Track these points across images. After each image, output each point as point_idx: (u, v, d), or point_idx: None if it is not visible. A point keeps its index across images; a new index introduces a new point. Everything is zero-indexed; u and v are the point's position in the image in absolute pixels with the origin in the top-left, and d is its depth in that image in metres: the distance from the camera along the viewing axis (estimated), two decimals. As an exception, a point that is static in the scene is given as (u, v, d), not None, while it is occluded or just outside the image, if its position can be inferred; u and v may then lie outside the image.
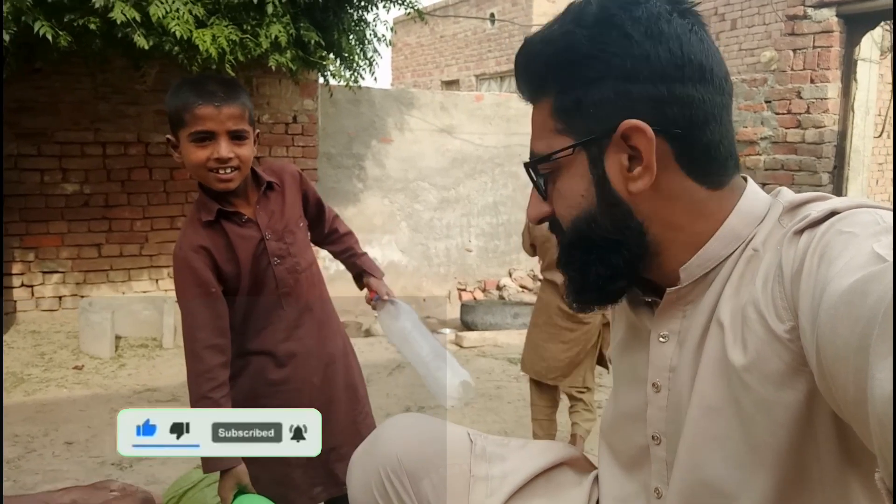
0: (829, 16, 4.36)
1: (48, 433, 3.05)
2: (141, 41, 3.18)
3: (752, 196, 0.79)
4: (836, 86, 4.46)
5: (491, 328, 5.44)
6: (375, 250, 6.45)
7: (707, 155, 0.76)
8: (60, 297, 5.05)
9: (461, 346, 4.81)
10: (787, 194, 0.78)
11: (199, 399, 1.47)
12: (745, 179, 0.81)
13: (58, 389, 3.62)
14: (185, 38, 3.21)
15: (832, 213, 0.69)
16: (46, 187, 4.91)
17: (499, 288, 6.85)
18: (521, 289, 6.87)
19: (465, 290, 6.78)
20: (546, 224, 0.86)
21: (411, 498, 1.01)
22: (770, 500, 0.73)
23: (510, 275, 7.04)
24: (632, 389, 0.88)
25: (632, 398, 0.88)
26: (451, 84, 12.53)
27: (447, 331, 5.64)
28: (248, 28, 3.53)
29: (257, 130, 1.57)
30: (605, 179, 0.77)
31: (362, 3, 4.18)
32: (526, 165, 0.83)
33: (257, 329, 1.62)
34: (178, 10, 3.15)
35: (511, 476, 1.01)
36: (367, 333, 5.53)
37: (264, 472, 1.57)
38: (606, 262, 0.79)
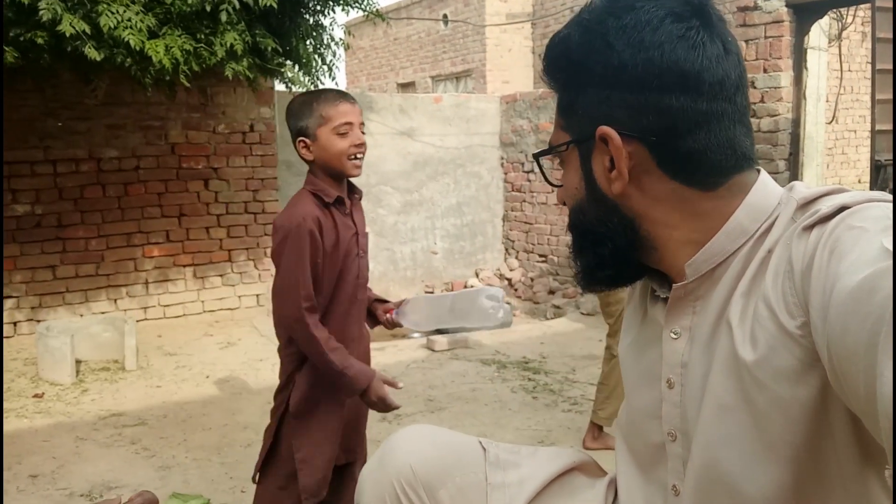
0: (778, 6, 4.45)
1: (11, 467, 2.92)
2: (92, 53, 3.06)
3: (762, 190, 0.78)
4: (789, 74, 4.56)
5: (461, 330, 5.42)
6: (340, 257, 6.37)
7: (690, 161, 0.77)
8: (16, 323, 4.86)
9: (433, 350, 4.77)
10: (801, 189, 0.77)
11: (326, 364, 1.76)
12: (759, 171, 0.81)
13: (18, 420, 3.47)
14: (138, 49, 3.10)
15: (842, 208, 0.68)
16: (-6, 209, 4.73)
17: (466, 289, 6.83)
18: (489, 289, 6.87)
19: (432, 292, 6.75)
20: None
21: None
22: (789, 498, 0.73)
23: (477, 275, 7.03)
24: (646, 387, 0.89)
25: (646, 396, 0.89)
26: (406, 86, 12.49)
27: (417, 335, 5.59)
28: (202, 37, 3.44)
29: None
30: (592, 177, 0.82)
31: (318, 7, 4.12)
32: (535, 156, 0.91)
33: (339, 314, 1.88)
34: (129, 21, 3.05)
35: (527, 482, 1.01)
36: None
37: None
38: (594, 251, 0.85)
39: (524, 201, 6.93)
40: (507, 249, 7.23)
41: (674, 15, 0.76)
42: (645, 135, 0.76)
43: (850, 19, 6.72)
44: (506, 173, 7.13)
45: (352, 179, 1.89)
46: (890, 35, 3.34)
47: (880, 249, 0.59)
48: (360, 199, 1.97)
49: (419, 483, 1.01)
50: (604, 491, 1.02)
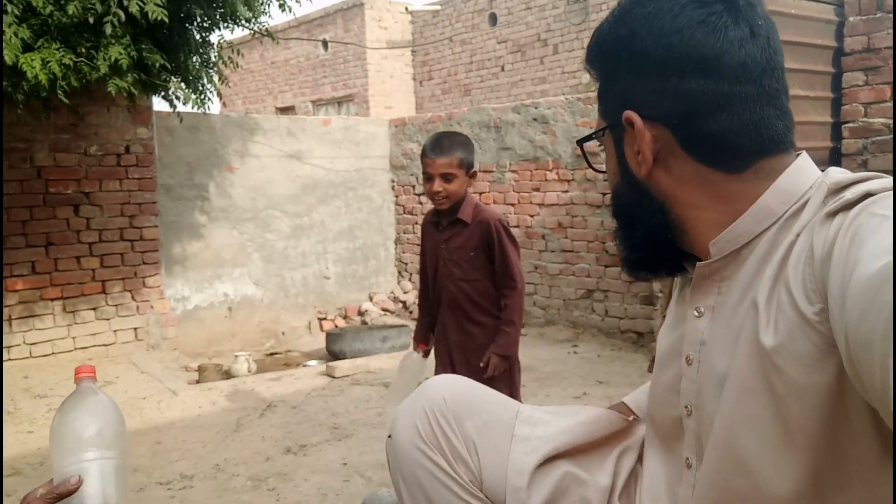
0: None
1: None
2: (-43, 65, 2.76)
3: (795, 173, 0.80)
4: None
5: (360, 354, 5.31)
6: (227, 285, 6.09)
7: (714, 142, 0.79)
8: None
9: (333, 377, 4.64)
10: (834, 174, 0.78)
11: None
12: (798, 155, 0.82)
13: None
14: (11, 63, 2.82)
15: (867, 195, 0.69)
16: None
17: (360, 314, 6.72)
18: (383, 312, 6.79)
19: (325, 318, 6.59)
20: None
21: (456, 435, 1.05)
22: (807, 483, 0.73)
23: (371, 299, 6.94)
24: (670, 363, 0.92)
25: (670, 371, 0.92)
26: (286, 110, 12.25)
27: (313, 362, 5.42)
28: (83, 51, 3.18)
29: (473, 170, 2.46)
30: (624, 161, 0.86)
31: (206, 24, 3.94)
32: (578, 142, 0.98)
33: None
34: (2, 33, 2.77)
35: (553, 439, 1.04)
36: (228, 375, 5.18)
37: None
38: (629, 233, 0.89)
39: (416, 223, 6.94)
40: (400, 272, 7.20)
41: (696, 1, 0.79)
42: (667, 118, 0.80)
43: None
44: (397, 196, 7.13)
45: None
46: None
47: (893, 239, 0.60)
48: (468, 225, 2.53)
49: (449, 411, 1.07)
50: (615, 457, 1.05)
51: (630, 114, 0.81)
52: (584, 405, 1.14)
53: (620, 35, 0.83)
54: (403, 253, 7.13)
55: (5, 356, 4.76)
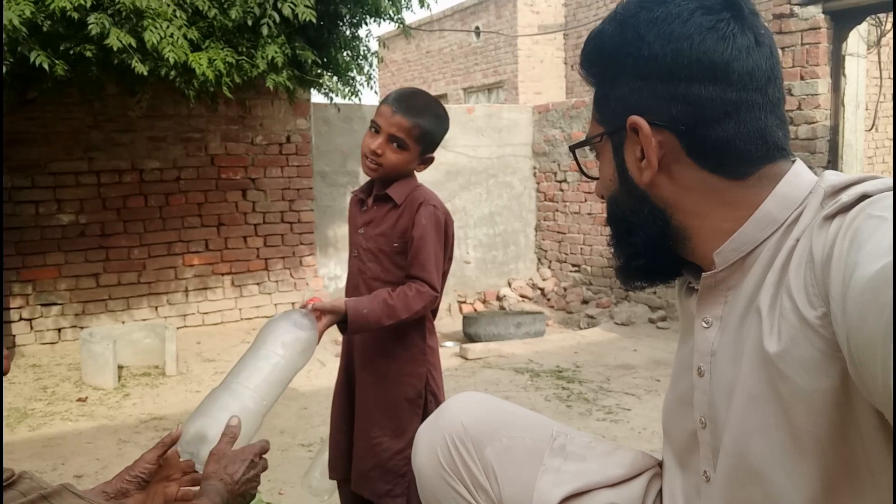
0: (815, 13, 4.40)
1: (56, 468, 3.00)
2: (139, 67, 3.17)
3: (793, 179, 0.79)
4: (826, 81, 4.50)
5: (494, 339, 5.42)
6: (374, 267, 6.42)
7: (720, 149, 0.78)
8: (60, 329, 5.00)
9: (466, 359, 4.78)
10: (830, 178, 0.77)
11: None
12: (794, 161, 0.81)
13: (63, 423, 3.57)
14: (181, 62, 3.20)
15: (863, 197, 0.68)
16: (41, 219, 4.87)
17: (499, 298, 6.83)
18: (521, 298, 6.86)
19: (465, 302, 6.76)
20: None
21: (476, 463, 1.04)
22: (818, 489, 0.72)
23: (509, 285, 7.03)
24: (683, 376, 0.91)
25: (682, 384, 0.91)
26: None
27: (450, 343, 5.61)
28: (244, 50, 3.53)
29: (430, 154, 1.94)
30: (624, 167, 0.85)
31: (354, 20, 4.20)
32: (572, 148, 0.94)
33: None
34: (172, 35, 3.15)
35: (583, 476, 1.02)
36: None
37: None
38: (627, 241, 0.87)
39: (557, 211, 6.92)
40: (539, 259, 7.22)
41: (704, 8, 0.78)
42: (674, 124, 0.79)
43: (888, 26, 6.60)
44: (538, 183, 7.13)
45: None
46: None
47: (892, 240, 0.59)
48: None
49: (469, 438, 1.05)
50: (646, 481, 1.03)
51: (637, 119, 0.80)
52: (619, 445, 1.08)
53: (626, 38, 0.81)
54: (543, 240, 7.13)
55: (182, 323, 5.37)
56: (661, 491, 1.02)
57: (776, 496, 0.75)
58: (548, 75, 10.95)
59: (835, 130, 4.59)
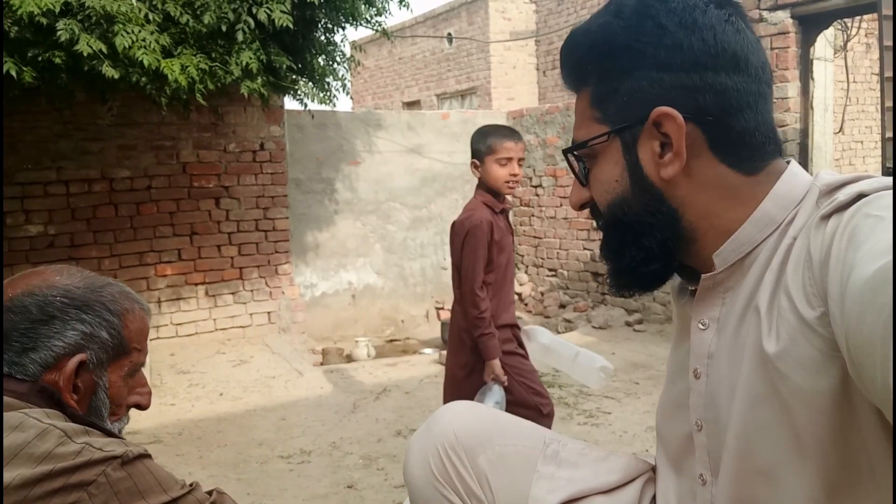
0: (784, 18, 4.48)
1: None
2: (109, 72, 3.10)
3: (790, 179, 0.79)
4: (796, 85, 4.58)
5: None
6: (350, 274, 6.38)
7: (741, 141, 0.78)
8: (29, 343, 4.86)
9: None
10: (825, 177, 0.77)
11: (481, 336, 2.34)
12: (789, 162, 0.82)
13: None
14: (153, 68, 3.14)
15: (859, 196, 0.68)
16: (9, 230, 4.75)
17: (477, 304, 6.82)
18: (499, 303, 6.85)
19: (442, 308, 6.74)
20: None
21: (469, 471, 1.03)
22: (820, 489, 0.72)
23: (487, 290, 7.02)
24: (678, 379, 0.90)
25: (677, 387, 0.90)
26: (412, 105, 12.56)
27: (428, 350, 5.59)
28: (217, 56, 3.48)
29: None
30: (637, 165, 0.81)
31: (330, 25, 4.17)
32: (564, 152, 0.88)
33: (505, 304, 2.50)
34: (144, 40, 3.09)
35: (578, 482, 1.01)
36: (349, 359, 5.45)
37: None
38: (639, 245, 0.82)
39: (533, 216, 6.94)
40: (516, 264, 7.23)
41: (716, 2, 0.78)
42: (701, 115, 0.77)
43: (854, 31, 6.75)
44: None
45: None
46: (898, 43, 3.38)
47: (893, 239, 0.59)
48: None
49: (461, 447, 1.04)
50: (640, 487, 1.02)
51: (667, 110, 0.76)
52: (612, 451, 1.08)
53: (644, 28, 0.77)
54: (520, 245, 7.15)
55: (155, 335, 5.28)
56: (655, 496, 1.01)
57: (783, 496, 0.75)
58: (520, 81, 11.01)
59: (804, 133, 4.67)
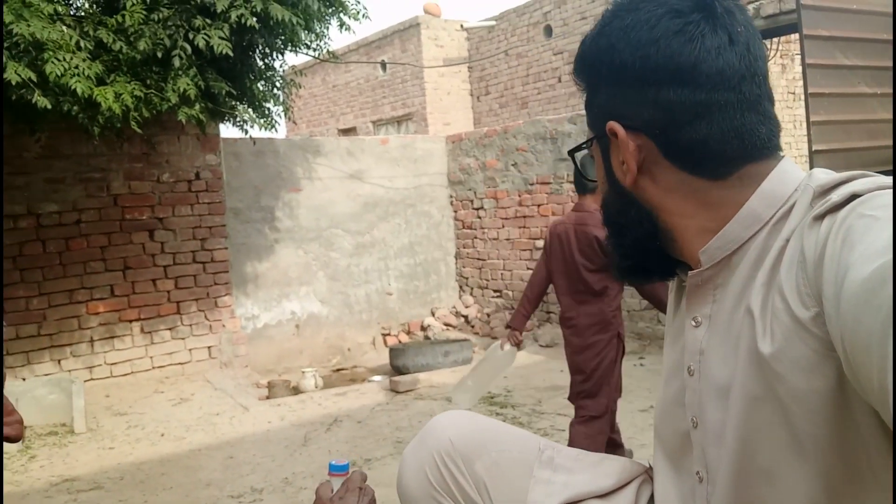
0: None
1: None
2: (42, 101, 2.95)
3: (779, 177, 0.79)
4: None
5: (422, 369, 5.36)
6: (293, 303, 6.25)
7: (695, 151, 0.79)
8: (-51, 391, 4.55)
9: (397, 392, 4.69)
10: (818, 176, 0.77)
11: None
12: (781, 159, 0.82)
13: (-41, 494, 3.22)
14: (86, 96, 3.00)
15: (853, 196, 0.68)
16: (-75, 271, 4.46)
17: (423, 328, 6.78)
18: (445, 327, 6.83)
19: (389, 334, 6.67)
20: None
21: (466, 478, 1.04)
22: (820, 488, 0.72)
23: (433, 314, 6.99)
24: (674, 376, 0.91)
25: (674, 385, 0.90)
26: (348, 131, 12.52)
27: (378, 378, 5.50)
28: (152, 83, 3.36)
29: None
30: (611, 171, 0.87)
31: (267, 50, 4.10)
32: (569, 152, 0.97)
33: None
34: (76, 68, 2.96)
35: (573, 486, 1.01)
36: (297, 391, 5.31)
37: None
38: (619, 242, 0.89)
39: (476, 238, 6.97)
40: (461, 287, 7.23)
41: (673, 11, 0.79)
42: (648, 128, 0.80)
43: (771, 52, 7.11)
44: (455, 211, 7.18)
45: None
46: (819, 61, 3.56)
47: (891, 237, 0.59)
48: None
49: (457, 454, 1.05)
50: (635, 489, 1.02)
51: (613, 124, 0.82)
52: (606, 455, 1.10)
53: (600, 47, 0.83)
54: (464, 267, 7.16)
55: (89, 376, 5.02)
56: (651, 497, 1.01)
57: (783, 496, 0.75)
58: (455, 107, 11.12)
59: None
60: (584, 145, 0.91)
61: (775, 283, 0.73)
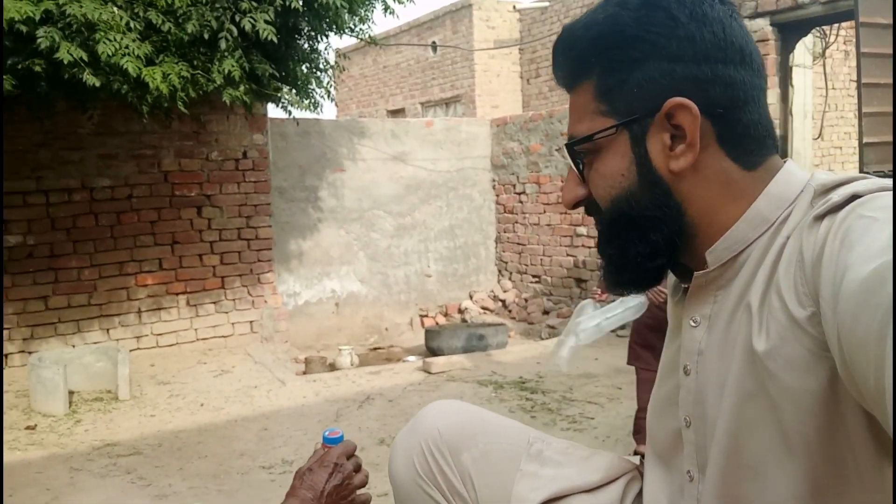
0: (763, 25, 4.54)
1: (4, 500, 2.86)
2: (91, 79, 3.06)
3: (784, 178, 0.79)
4: (776, 91, 4.63)
5: (457, 352, 5.40)
6: (334, 282, 6.36)
7: (746, 134, 0.78)
8: (7, 355, 4.80)
9: (429, 373, 4.74)
10: (820, 177, 0.77)
11: None
12: (785, 161, 0.82)
13: (10, 452, 3.41)
14: (135, 76, 3.11)
15: (853, 197, 0.68)
16: (-13, 240, 4.69)
17: (460, 311, 6.82)
18: (482, 310, 6.86)
19: (426, 315, 6.73)
20: None
21: (452, 469, 1.04)
22: (805, 487, 0.73)
23: (471, 297, 7.02)
24: (669, 375, 0.91)
25: (668, 384, 0.90)
26: (396, 113, 12.57)
27: (412, 358, 5.57)
28: (199, 64, 3.45)
29: None
30: (646, 158, 0.79)
31: (313, 33, 4.16)
32: (567, 147, 0.85)
33: None
34: (127, 48, 3.06)
35: (560, 481, 1.02)
36: (332, 367, 5.42)
37: None
38: (646, 240, 0.81)
39: (516, 223, 6.96)
40: (500, 271, 7.24)
41: None
42: (711, 107, 0.76)
43: (832, 38, 6.85)
44: (497, 195, 7.17)
45: None
46: (875, 49, 3.43)
47: (890, 239, 0.59)
48: None
49: (445, 445, 1.05)
50: (622, 485, 1.03)
51: (681, 100, 0.75)
52: (596, 451, 1.08)
53: (656, 19, 0.77)
54: (504, 252, 7.16)
55: (136, 345, 5.22)
56: (639, 493, 1.01)
57: (769, 493, 0.75)
58: (504, 89, 11.05)
59: (784, 139, 4.72)
60: (603, 133, 0.81)
61: (774, 281, 0.73)
